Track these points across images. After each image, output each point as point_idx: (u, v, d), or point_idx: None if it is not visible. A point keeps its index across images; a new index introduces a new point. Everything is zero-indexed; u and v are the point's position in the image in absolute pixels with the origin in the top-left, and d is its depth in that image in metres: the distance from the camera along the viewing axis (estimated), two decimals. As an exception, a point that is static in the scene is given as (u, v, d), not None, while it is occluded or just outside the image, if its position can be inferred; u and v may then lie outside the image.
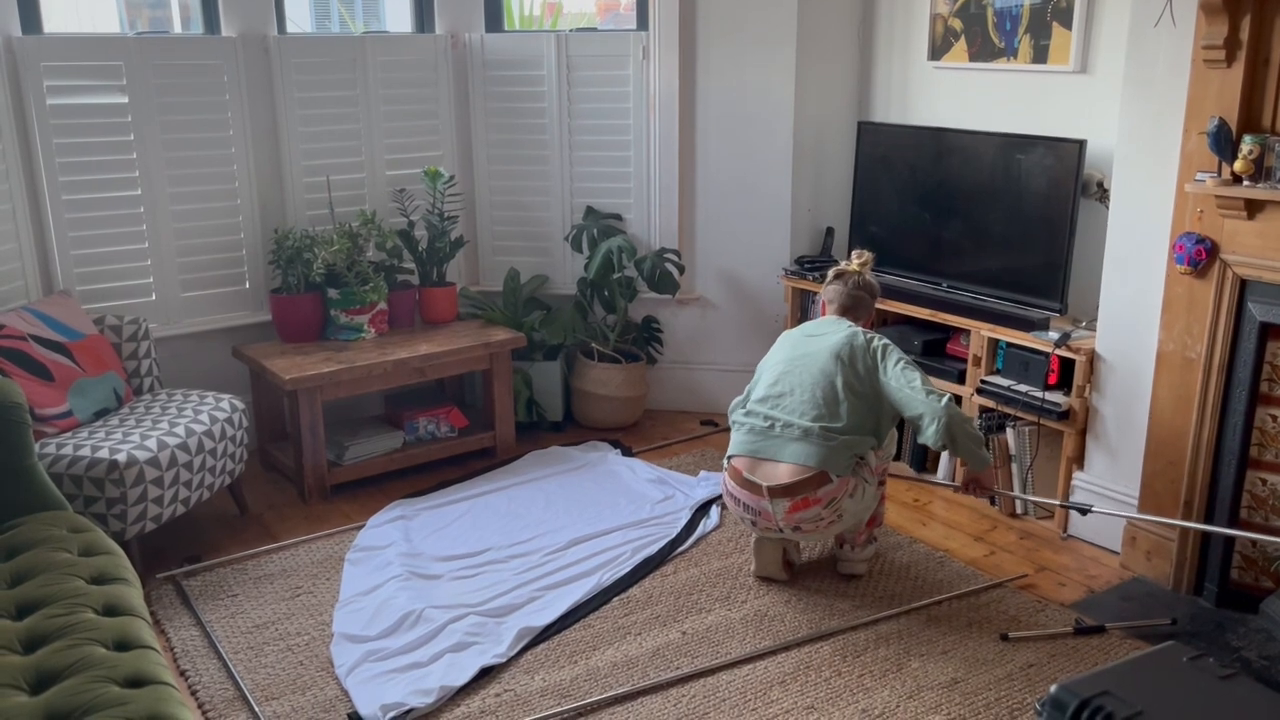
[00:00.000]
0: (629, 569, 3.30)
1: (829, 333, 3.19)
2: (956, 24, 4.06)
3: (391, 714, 2.59)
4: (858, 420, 3.04)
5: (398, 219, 4.34)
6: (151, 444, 3.18)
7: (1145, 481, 3.31)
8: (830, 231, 4.54)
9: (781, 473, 3.02)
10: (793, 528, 3.05)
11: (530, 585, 3.20)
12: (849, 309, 3.29)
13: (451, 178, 4.35)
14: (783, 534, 3.11)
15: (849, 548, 3.26)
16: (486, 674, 2.79)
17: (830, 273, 3.40)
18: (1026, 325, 3.63)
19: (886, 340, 3.14)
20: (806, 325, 3.36)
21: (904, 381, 3.03)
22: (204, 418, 3.41)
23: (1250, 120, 2.90)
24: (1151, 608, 3.13)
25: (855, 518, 3.12)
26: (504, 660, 2.85)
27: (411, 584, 3.17)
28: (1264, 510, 3.05)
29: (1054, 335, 3.54)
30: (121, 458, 3.07)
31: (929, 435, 2.96)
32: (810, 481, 2.98)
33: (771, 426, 3.09)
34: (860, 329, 3.19)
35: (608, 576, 3.25)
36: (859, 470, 3.04)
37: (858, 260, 3.37)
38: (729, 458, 3.17)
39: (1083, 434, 3.52)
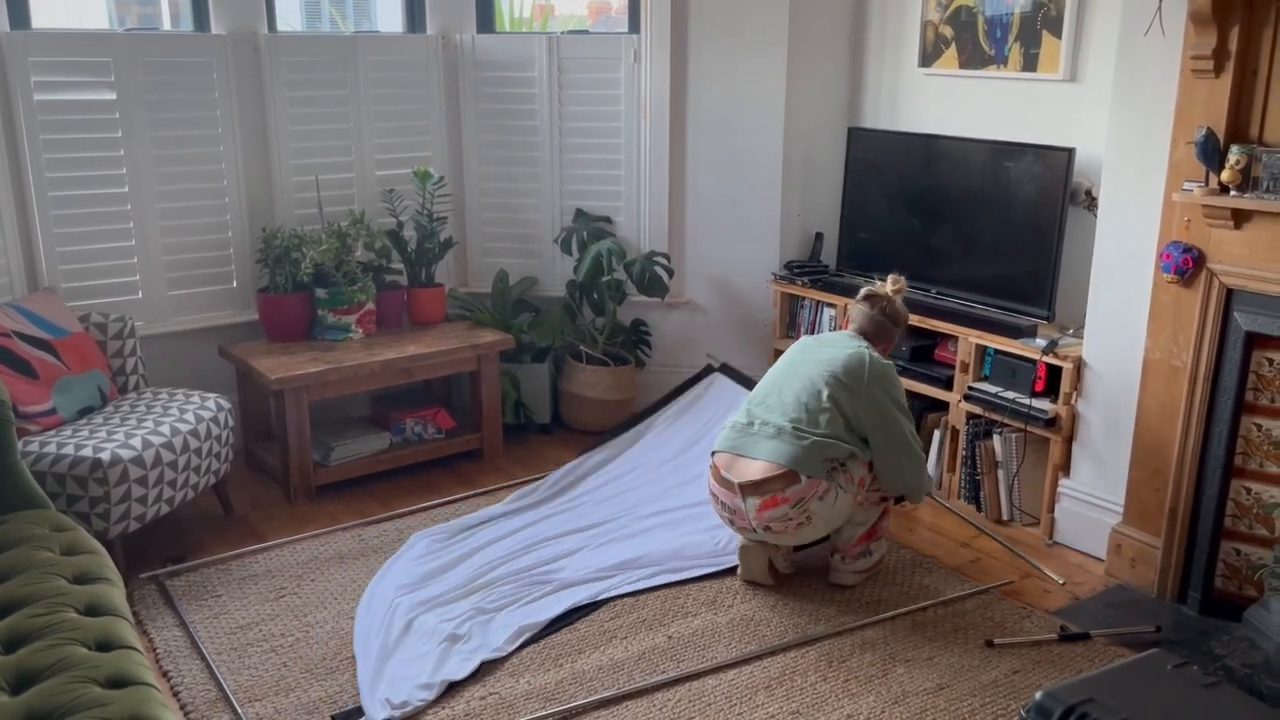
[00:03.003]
0: (642, 587, 3.25)
1: (838, 346, 3.20)
2: (947, 31, 4.08)
3: (395, 712, 2.60)
4: (836, 430, 3.05)
5: (387, 219, 4.33)
6: (136, 443, 3.16)
7: (1130, 489, 3.32)
8: (820, 236, 4.54)
9: (754, 470, 3.04)
10: (764, 527, 3.05)
11: (535, 584, 3.22)
12: (868, 333, 3.28)
13: (441, 179, 4.34)
14: (758, 535, 3.12)
15: (840, 557, 3.26)
16: (483, 668, 2.82)
17: (862, 290, 3.39)
18: (1014, 332, 3.64)
19: (888, 393, 3.11)
20: (823, 335, 3.38)
21: (886, 461, 3.12)
22: (189, 417, 3.40)
23: (1238, 130, 2.92)
24: (1136, 615, 3.14)
25: (827, 524, 3.11)
26: (504, 655, 2.87)
27: (418, 592, 3.16)
28: (1248, 519, 3.07)
29: (1041, 342, 3.55)
30: (105, 456, 3.05)
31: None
32: (779, 480, 2.99)
33: (751, 424, 3.14)
34: (871, 354, 3.16)
35: (615, 584, 3.24)
36: (834, 476, 3.04)
37: (893, 285, 3.35)
38: (713, 453, 3.20)
39: (1069, 441, 3.53)
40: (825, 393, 3.07)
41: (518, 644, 2.92)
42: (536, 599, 3.14)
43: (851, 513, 3.18)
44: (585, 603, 3.13)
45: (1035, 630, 3.03)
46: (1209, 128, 2.89)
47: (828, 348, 3.20)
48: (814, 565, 3.38)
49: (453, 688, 2.73)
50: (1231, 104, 2.90)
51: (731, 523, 3.15)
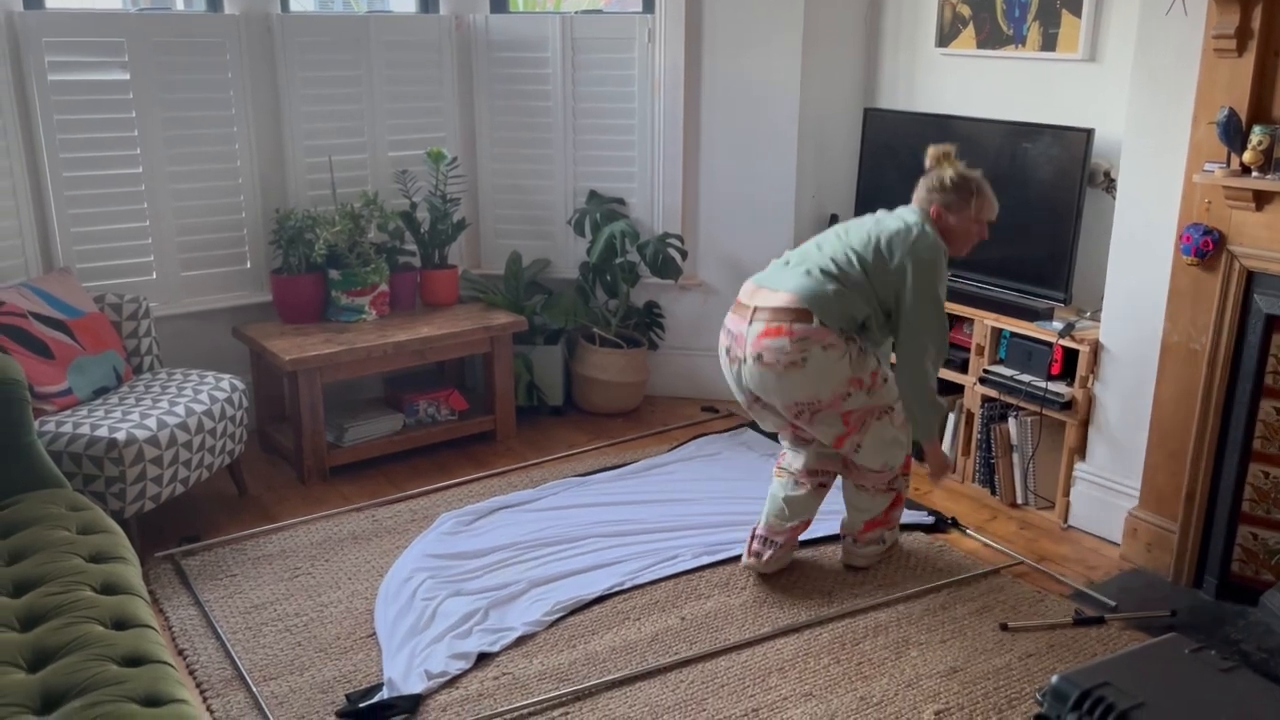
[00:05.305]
0: (676, 570, 3.26)
1: (894, 217, 3.05)
2: (965, 10, 4.03)
3: (433, 682, 2.65)
4: (864, 291, 2.94)
5: (400, 200, 4.32)
6: (151, 423, 3.17)
7: (1147, 474, 3.30)
8: (834, 218, 4.51)
9: (773, 299, 2.94)
10: (755, 355, 2.93)
11: (566, 560, 3.27)
12: (925, 208, 3.08)
13: (454, 159, 4.33)
14: (745, 375, 2.99)
15: (851, 540, 3.25)
16: (517, 644, 2.87)
17: None
18: (1030, 315, 3.62)
19: (923, 271, 2.92)
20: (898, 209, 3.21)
21: (905, 320, 2.96)
22: (204, 397, 3.40)
23: (1260, 111, 2.88)
24: (1151, 600, 3.12)
25: (814, 386, 2.91)
26: (540, 630, 2.92)
27: (443, 571, 3.20)
28: (1266, 504, 3.04)
29: (1058, 325, 3.52)
30: (121, 436, 3.06)
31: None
32: (791, 313, 2.89)
33: (787, 263, 3.05)
34: (923, 228, 2.98)
35: (652, 566, 3.26)
36: (849, 343, 2.91)
37: (930, 157, 3.12)
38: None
39: (1085, 425, 3.51)
40: (859, 253, 2.96)
41: (555, 618, 2.97)
42: (572, 575, 3.18)
43: (855, 497, 3.18)
44: (627, 585, 3.14)
45: (1050, 614, 3.02)
46: (1231, 108, 2.85)
47: (884, 217, 3.07)
48: (827, 552, 3.38)
49: (466, 669, 2.75)
50: (1254, 84, 2.86)
51: (728, 351, 3.04)
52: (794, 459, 3.18)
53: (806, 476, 3.14)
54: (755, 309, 2.96)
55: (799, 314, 2.89)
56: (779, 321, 2.90)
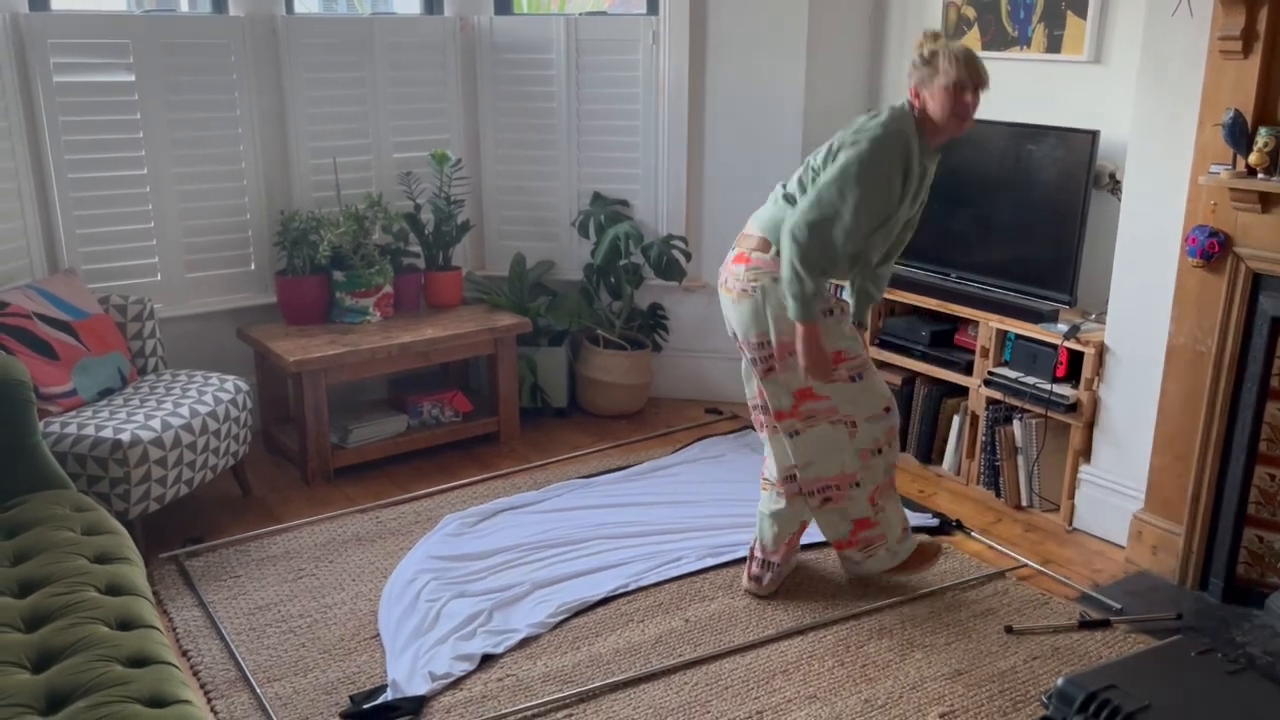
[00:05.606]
0: (680, 572, 3.26)
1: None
2: (970, 12, 4.03)
3: (436, 684, 2.65)
4: None
5: (404, 202, 4.32)
6: (156, 424, 3.17)
7: (1152, 476, 3.29)
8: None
9: (750, 228, 2.95)
10: (722, 280, 2.95)
11: (570, 562, 3.27)
12: (907, 92, 2.86)
13: (458, 161, 4.33)
14: (722, 304, 2.99)
15: (848, 550, 3.21)
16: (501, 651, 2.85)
17: None
18: (1035, 317, 3.61)
19: (854, 155, 2.68)
20: None
21: (804, 197, 2.74)
22: (208, 398, 3.41)
23: (1266, 112, 2.88)
24: (1157, 602, 3.11)
25: (764, 322, 2.84)
26: (544, 631, 2.92)
27: (450, 572, 3.21)
28: (1271, 506, 3.04)
29: (1063, 327, 3.52)
30: (125, 437, 3.06)
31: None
32: (755, 240, 2.89)
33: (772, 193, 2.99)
34: (885, 116, 2.75)
35: (656, 568, 3.26)
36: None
37: (918, 42, 2.82)
38: None
39: (1090, 427, 3.50)
40: (817, 161, 2.83)
41: (559, 619, 2.97)
42: (576, 576, 3.18)
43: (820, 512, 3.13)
44: (631, 587, 3.14)
45: (1055, 617, 3.02)
46: (1237, 110, 2.85)
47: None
48: (830, 554, 3.37)
49: (470, 670, 2.74)
50: (1260, 86, 2.86)
51: (719, 274, 3.01)
52: (771, 466, 3.10)
53: (783, 485, 3.06)
54: (742, 235, 2.98)
55: (760, 242, 2.89)
56: (744, 249, 2.92)
